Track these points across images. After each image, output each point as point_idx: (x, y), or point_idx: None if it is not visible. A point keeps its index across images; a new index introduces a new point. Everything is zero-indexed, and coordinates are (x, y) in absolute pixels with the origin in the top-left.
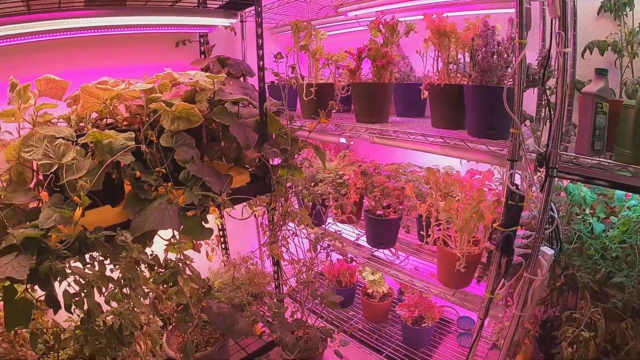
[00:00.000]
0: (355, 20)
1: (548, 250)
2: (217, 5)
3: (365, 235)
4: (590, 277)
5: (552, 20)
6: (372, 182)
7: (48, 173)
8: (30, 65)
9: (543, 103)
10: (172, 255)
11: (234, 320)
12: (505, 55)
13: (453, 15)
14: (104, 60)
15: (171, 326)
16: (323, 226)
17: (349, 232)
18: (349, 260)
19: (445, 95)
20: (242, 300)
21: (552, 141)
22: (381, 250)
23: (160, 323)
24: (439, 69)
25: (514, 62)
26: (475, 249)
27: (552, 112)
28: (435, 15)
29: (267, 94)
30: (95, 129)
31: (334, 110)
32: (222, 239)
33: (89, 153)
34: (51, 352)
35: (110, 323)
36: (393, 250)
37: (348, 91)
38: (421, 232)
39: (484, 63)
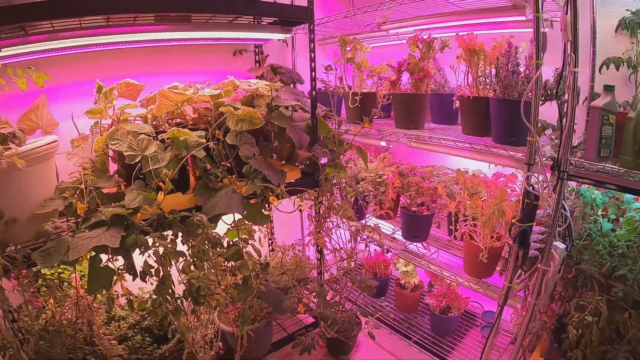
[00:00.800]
0: (396, 36)
1: (560, 245)
2: (271, 21)
3: (400, 230)
4: (596, 270)
5: (564, 43)
6: (409, 182)
7: (133, 163)
8: (108, 69)
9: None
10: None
11: (282, 299)
12: (527, 71)
13: (483, 33)
14: (170, 66)
15: None
16: (363, 221)
17: (386, 226)
18: (385, 251)
19: (473, 106)
20: (287, 284)
21: (563, 148)
22: (414, 243)
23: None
24: (469, 82)
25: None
26: (497, 243)
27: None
28: (466, 35)
29: None
30: (173, 127)
31: (376, 117)
32: (268, 232)
33: (168, 147)
34: (113, 322)
35: (190, 285)
36: (425, 244)
37: (389, 99)
38: (450, 227)
39: (505, 80)
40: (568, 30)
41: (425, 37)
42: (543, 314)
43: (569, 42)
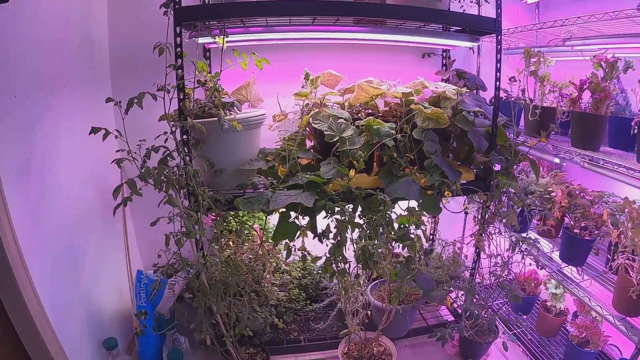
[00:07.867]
0: (580, 53)
1: None
2: (459, 29)
3: (558, 251)
4: None
5: None
6: (576, 203)
7: (330, 141)
8: (310, 58)
9: None
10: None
11: (433, 287)
12: None
13: None
14: (364, 61)
15: (376, 280)
16: (524, 234)
17: (545, 244)
18: (539, 266)
19: None
20: (440, 277)
21: None
22: (569, 267)
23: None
24: None
25: None
26: None
27: None
28: None
29: None
30: (370, 117)
31: (554, 132)
32: (433, 226)
33: (362, 133)
34: (277, 272)
35: (364, 251)
36: (580, 269)
37: (567, 116)
38: (608, 257)
39: None
40: None
41: (609, 57)
42: None
43: None
